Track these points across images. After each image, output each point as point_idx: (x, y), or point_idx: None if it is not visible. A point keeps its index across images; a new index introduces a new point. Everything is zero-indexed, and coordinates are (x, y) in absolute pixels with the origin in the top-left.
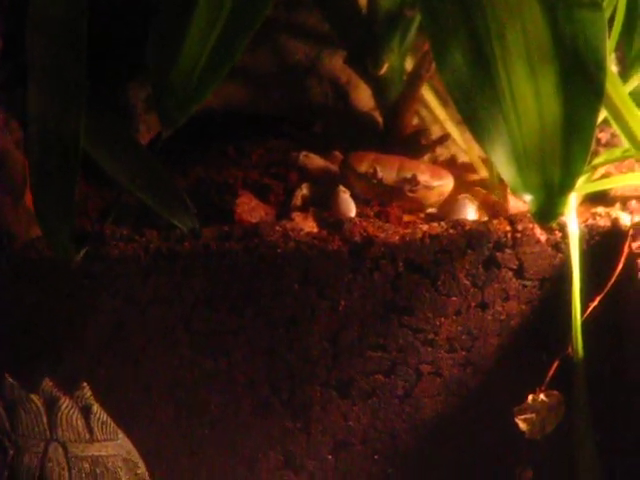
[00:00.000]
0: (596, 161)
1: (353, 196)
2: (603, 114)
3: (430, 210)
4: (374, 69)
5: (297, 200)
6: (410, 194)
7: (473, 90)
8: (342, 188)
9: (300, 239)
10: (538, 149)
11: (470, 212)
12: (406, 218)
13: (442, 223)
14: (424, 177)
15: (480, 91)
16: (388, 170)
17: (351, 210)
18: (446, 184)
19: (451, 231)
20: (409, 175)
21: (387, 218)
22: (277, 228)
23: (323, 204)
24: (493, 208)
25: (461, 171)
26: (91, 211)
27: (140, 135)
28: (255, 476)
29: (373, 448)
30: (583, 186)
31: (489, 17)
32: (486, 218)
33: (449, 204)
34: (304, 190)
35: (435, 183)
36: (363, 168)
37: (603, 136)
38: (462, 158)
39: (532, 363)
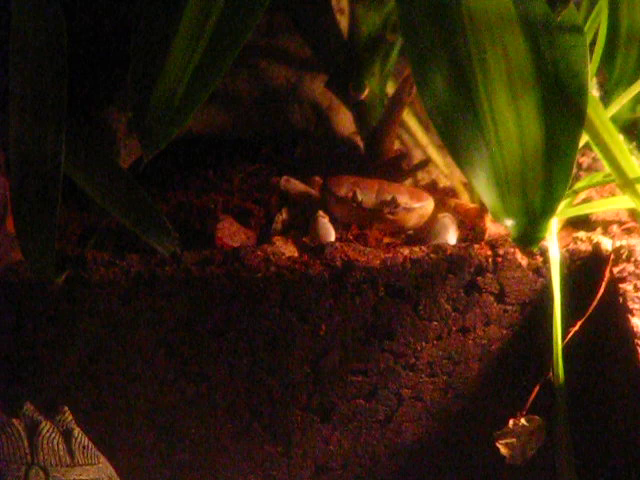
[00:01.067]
0: (577, 185)
1: (333, 220)
2: (584, 139)
3: (410, 232)
4: (355, 93)
5: (277, 224)
6: (390, 216)
7: (454, 115)
8: (321, 213)
9: (281, 264)
10: (519, 174)
11: (451, 231)
12: (386, 240)
13: (423, 247)
14: (404, 199)
15: (461, 116)
16: (367, 193)
17: (330, 235)
18: (426, 206)
19: (432, 255)
20: (389, 197)
21: (366, 241)
22: (258, 253)
23: (303, 228)
24: (472, 229)
25: (442, 195)
26: (72, 235)
27: (121, 159)
28: None
29: (354, 473)
30: (564, 210)
31: (471, 42)
32: (466, 243)
33: (429, 224)
34: (284, 215)
35: (415, 205)
36: (342, 192)
37: (584, 160)
38: (443, 182)
39: (513, 388)
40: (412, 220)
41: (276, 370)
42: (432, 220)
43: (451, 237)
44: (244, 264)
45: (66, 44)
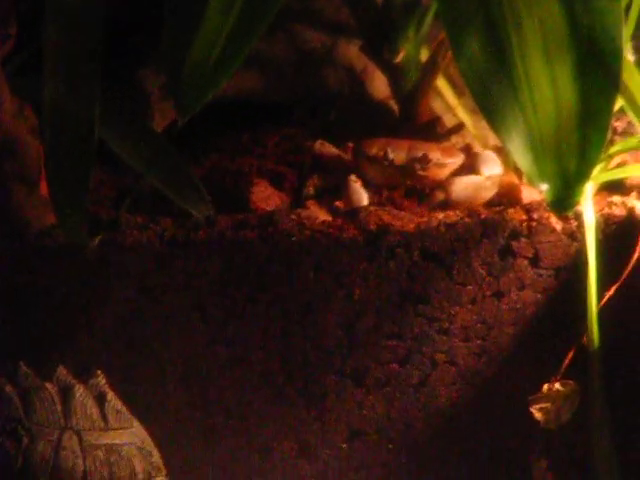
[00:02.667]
0: (612, 150)
1: (366, 185)
2: (619, 103)
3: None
4: (390, 57)
5: (310, 189)
6: (422, 173)
7: (489, 79)
8: (353, 177)
9: (315, 228)
10: (554, 138)
11: (495, 166)
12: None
13: (457, 212)
14: (435, 155)
15: (496, 80)
16: (399, 151)
17: (363, 199)
18: (458, 162)
19: (467, 220)
20: (420, 154)
21: (397, 204)
22: (292, 217)
23: (336, 193)
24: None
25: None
26: (106, 199)
27: (155, 123)
28: (269, 465)
29: (388, 437)
30: (599, 175)
31: (505, 6)
32: (501, 207)
33: (471, 158)
34: (316, 179)
35: (447, 160)
36: (374, 151)
37: (619, 125)
38: (477, 147)
39: (547, 352)
40: (444, 176)
41: (310, 334)
42: (474, 154)
43: (496, 169)
44: (278, 228)
45: (102, 5)
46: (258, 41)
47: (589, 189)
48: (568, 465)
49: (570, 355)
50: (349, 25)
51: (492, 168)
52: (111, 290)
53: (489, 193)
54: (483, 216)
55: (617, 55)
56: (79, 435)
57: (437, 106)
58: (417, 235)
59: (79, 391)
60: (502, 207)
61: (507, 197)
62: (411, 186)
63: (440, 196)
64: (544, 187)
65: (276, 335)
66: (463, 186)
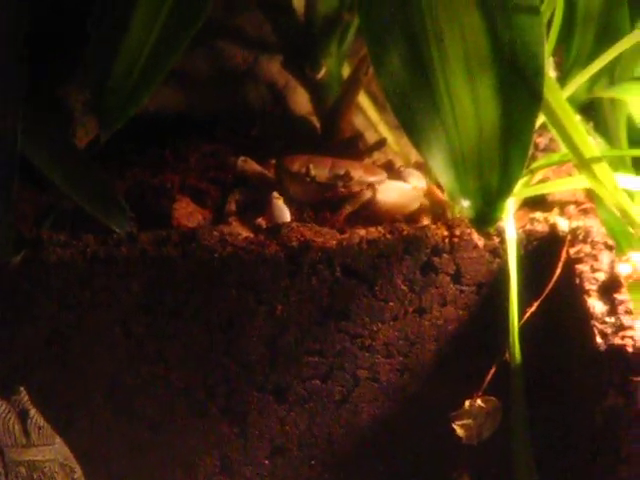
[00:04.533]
0: (534, 165)
1: (288, 201)
2: (541, 119)
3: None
4: (312, 73)
5: (231, 205)
6: (344, 190)
7: (411, 95)
8: (275, 194)
9: (238, 244)
10: (476, 154)
11: (420, 180)
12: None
13: (379, 228)
14: (358, 173)
15: (418, 96)
16: (321, 168)
17: (285, 216)
18: (381, 180)
19: (388, 236)
20: (342, 172)
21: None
22: (214, 233)
23: (258, 210)
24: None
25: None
26: (28, 215)
27: (78, 138)
28: None
29: (310, 453)
30: (521, 191)
31: (427, 22)
32: (422, 224)
33: (394, 173)
34: (237, 195)
35: (370, 179)
36: (296, 167)
37: (541, 141)
38: (399, 163)
39: (469, 368)
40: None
41: (232, 351)
42: (397, 171)
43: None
44: (200, 244)
45: (25, 22)
46: (180, 57)
47: (511, 205)
48: None
49: (492, 371)
50: (271, 41)
51: (418, 182)
52: (34, 307)
53: (414, 203)
54: (405, 232)
55: (539, 71)
56: (1, 452)
57: (359, 122)
58: (339, 251)
59: (1, 408)
60: (424, 223)
61: (431, 212)
62: (333, 203)
63: (367, 194)
64: (466, 203)
65: (198, 351)
66: (390, 188)
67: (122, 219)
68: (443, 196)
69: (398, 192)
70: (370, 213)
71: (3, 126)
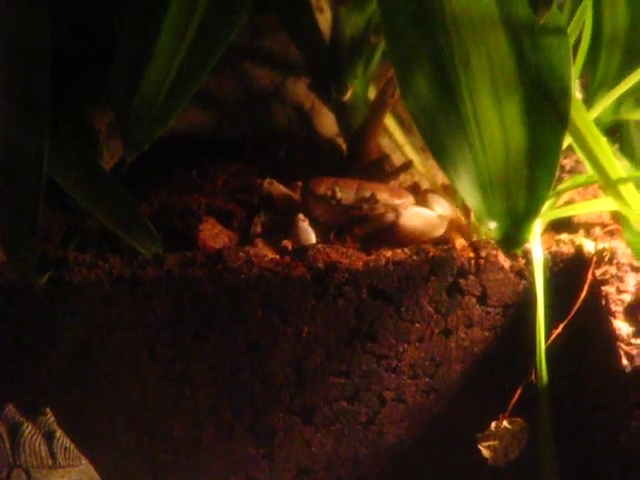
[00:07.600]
0: (560, 187)
1: (313, 224)
2: (567, 140)
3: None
4: (338, 95)
5: (257, 227)
6: (370, 213)
7: (437, 117)
8: (301, 217)
9: (264, 265)
10: (503, 176)
11: (446, 207)
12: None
13: (406, 249)
14: (383, 196)
15: (444, 118)
16: (347, 191)
17: (310, 238)
18: (406, 203)
19: (415, 257)
20: (368, 194)
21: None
22: (241, 254)
23: (284, 231)
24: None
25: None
26: (54, 236)
27: (104, 160)
28: None
29: (336, 474)
30: (547, 213)
31: (454, 44)
32: (449, 245)
33: (421, 197)
34: (262, 217)
35: (396, 202)
36: (322, 190)
37: (567, 162)
38: (425, 185)
39: (495, 390)
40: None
41: (258, 372)
42: (422, 196)
43: (444, 209)
44: (227, 266)
45: (51, 43)
46: (207, 78)
47: (537, 227)
48: None
49: (518, 392)
50: (297, 63)
51: (443, 209)
52: (60, 328)
53: (438, 231)
54: (431, 254)
55: (565, 93)
56: (28, 473)
57: (385, 144)
58: (365, 273)
59: (27, 429)
60: (450, 245)
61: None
62: (357, 223)
63: (390, 217)
64: (493, 225)
65: (224, 372)
66: (415, 214)
67: (148, 240)
68: (467, 223)
69: (422, 219)
70: (392, 237)
71: (29, 147)
